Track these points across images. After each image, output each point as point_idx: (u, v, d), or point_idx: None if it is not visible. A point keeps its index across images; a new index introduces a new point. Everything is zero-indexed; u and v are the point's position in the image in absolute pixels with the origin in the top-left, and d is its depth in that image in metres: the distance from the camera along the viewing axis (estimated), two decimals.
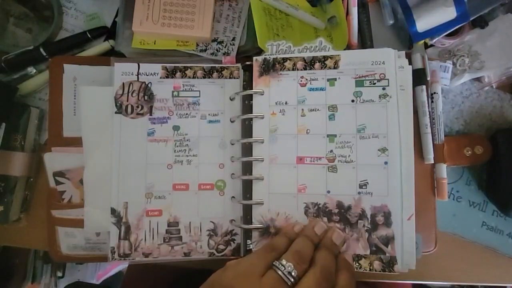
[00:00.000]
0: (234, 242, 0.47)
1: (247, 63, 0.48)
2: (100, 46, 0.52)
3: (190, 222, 0.47)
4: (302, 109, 0.45)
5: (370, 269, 0.42)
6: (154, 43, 0.50)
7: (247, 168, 0.47)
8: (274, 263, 0.36)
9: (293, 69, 0.46)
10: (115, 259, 0.46)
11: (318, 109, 0.45)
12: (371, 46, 0.51)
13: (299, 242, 0.39)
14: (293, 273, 0.35)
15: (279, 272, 0.35)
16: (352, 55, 0.45)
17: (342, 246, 0.42)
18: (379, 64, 0.44)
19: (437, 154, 0.48)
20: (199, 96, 0.48)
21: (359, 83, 0.45)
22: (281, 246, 0.39)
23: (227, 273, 0.36)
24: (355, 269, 0.42)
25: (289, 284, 0.34)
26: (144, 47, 0.50)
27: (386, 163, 0.43)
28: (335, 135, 0.44)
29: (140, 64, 0.48)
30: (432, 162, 0.48)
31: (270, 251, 0.38)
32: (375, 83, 0.44)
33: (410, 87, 0.47)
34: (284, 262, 0.36)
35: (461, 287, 0.84)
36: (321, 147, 0.45)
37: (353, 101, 0.45)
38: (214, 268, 0.46)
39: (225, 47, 0.50)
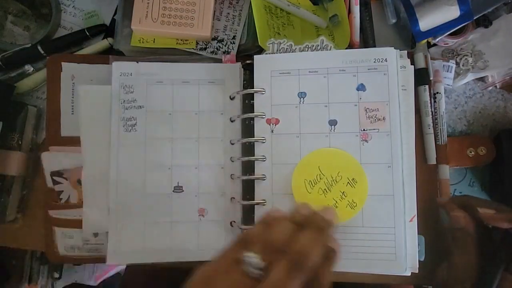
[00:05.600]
0: None
1: (248, 61, 0.48)
2: (99, 44, 0.51)
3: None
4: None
5: None
6: (154, 42, 0.50)
7: (247, 168, 0.46)
8: (241, 256, 0.31)
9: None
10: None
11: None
12: (373, 45, 0.50)
13: (273, 228, 0.33)
14: (259, 265, 0.30)
15: (245, 266, 0.31)
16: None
17: (333, 225, 0.34)
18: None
19: (440, 155, 0.47)
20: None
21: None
22: (255, 237, 0.34)
23: (196, 276, 0.33)
24: None
25: (256, 277, 0.30)
26: (143, 46, 0.50)
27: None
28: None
29: (139, 62, 0.47)
30: (435, 163, 0.47)
31: (241, 245, 0.33)
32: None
33: (412, 87, 0.46)
34: (250, 253, 0.31)
35: None
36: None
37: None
38: None
39: (225, 46, 0.50)
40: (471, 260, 0.40)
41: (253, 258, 0.31)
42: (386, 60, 0.44)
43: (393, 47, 0.44)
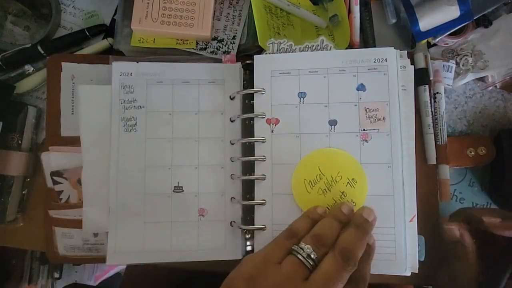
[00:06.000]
0: None
1: (248, 61, 0.48)
2: (99, 44, 0.51)
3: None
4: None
5: None
6: (153, 42, 0.50)
7: (247, 168, 0.46)
8: (293, 247, 0.35)
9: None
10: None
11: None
12: (373, 45, 0.50)
13: (320, 224, 0.37)
14: (312, 255, 0.34)
15: (299, 256, 0.34)
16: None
17: (374, 225, 0.39)
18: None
19: (440, 155, 0.47)
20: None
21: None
22: (302, 230, 0.37)
23: (246, 265, 0.35)
24: None
25: (309, 267, 0.33)
26: (143, 46, 0.50)
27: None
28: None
29: (139, 62, 0.47)
30: (435, 163, 0.47)
31: (290, 237, 0.37)
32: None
33: (412, 87, 0.46)
34: (302, 245, 0.35)
35: None
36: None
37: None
38: (213, 270, 0.46)
39: (225, 46, 0.50)
40: (471, 270, 0.40)
41: (308, 248, 0.34)
42: (386, 60, 0.44)
43: (393, 47, 0.44)
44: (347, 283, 0.34)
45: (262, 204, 0.44)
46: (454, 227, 0.43)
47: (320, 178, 0.43)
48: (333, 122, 0.44)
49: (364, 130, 0.43)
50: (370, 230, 0.37)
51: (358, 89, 0.44)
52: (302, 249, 0.34)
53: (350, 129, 0.44)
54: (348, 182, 0.43)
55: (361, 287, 0.36)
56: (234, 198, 0.46)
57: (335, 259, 0.33)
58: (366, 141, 0.43)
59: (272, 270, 0.34)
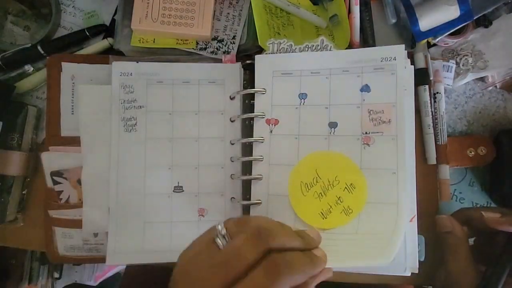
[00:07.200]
0: None
1: (248, 61, 0.48)
2: (99, 44, 0.51)
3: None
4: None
5: None
6: (153, 42, 0.50)
7: (247, 168, 0.46)
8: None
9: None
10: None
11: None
12: (373, 45, 0.50)
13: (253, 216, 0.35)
14: (223, 232, 0.32)
15: (216, 238, 0.32)
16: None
17: (315, 241, 0.36)
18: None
19: (440, 155, 0.47)
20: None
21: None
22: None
23: (180, 261, 0.35)
24: None
25: (220, 246, 0.31)
26: (143, 46, 0.50)
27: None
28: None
29: (139, 62, 0.47)
30: (435, 163, 0.47)
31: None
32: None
33: (412, 87, 0.46)
34: (219, 226, 0.32)
35: None
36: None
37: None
38: None
39: (225, 46, 0.50)
40: (466, 265, 0.40)
41: (221, 227, 0.32)
42: (395, 59, 0.42)
43: (403, 45, 0.42)
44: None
45: (258, 204, 0.44)
46: (446, 217, 0.43)
47: (317, 181, 0.42)
48: (333, 125, 0.43)
49: (366, 133, 0.42)
50: (305, 236, 0.35)
51: (362, 90, 0.43)
52: (217, 229, 0.32)
53: (351, 132, 0.42)
54: (345, 187, 0.41)
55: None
56: (234, 198, 0.46)
57: (245, 234, 0.31)
58: (368, 144, 0.42)
59: (200, 260, 0.32)
